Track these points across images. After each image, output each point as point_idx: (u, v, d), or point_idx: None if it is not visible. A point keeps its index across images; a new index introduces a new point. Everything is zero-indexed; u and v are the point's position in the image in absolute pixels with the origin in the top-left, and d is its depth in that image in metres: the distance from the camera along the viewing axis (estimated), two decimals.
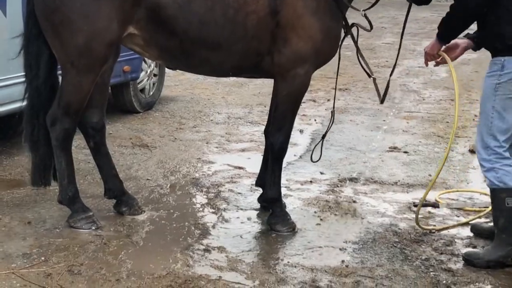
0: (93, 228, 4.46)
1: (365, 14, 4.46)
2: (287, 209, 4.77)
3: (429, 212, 5.03)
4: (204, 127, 7.41)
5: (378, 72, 10.88)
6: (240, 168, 5.95)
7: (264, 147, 4.92)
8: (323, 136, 5.04)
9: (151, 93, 8.08)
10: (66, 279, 3.78)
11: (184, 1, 4.19)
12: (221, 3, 4.21)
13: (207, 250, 4.26)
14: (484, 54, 13.95)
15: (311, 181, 5.66)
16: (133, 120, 7.51)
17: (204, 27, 4.22)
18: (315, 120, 7.73)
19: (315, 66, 4.49)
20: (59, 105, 4.33)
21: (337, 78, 4.93)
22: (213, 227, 4.63)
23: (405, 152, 6.60)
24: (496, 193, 4.10)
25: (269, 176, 4.63)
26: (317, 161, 5.10)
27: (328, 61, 4.57)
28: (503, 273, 4.05)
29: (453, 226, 4.75)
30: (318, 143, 5.07)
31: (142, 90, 7.88)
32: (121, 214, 4.73)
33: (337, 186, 5.55)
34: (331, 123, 4.98)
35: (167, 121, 7.59)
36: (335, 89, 5.02)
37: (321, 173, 5.88)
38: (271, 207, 4.68)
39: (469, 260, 4.13)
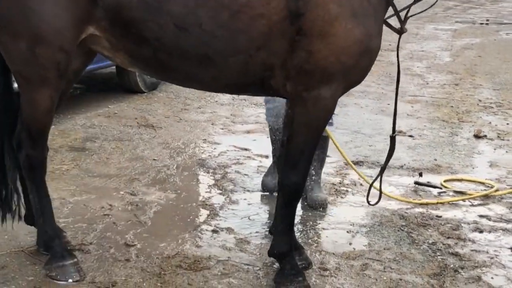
0: (71, 280, 3.55)
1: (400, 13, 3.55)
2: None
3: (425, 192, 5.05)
4: (209, 108, 7.40)
5: (381, 56, 10.86)
6: (245, 149, 5.96)
7: None
8: (382, 170, 3.93)
9: None
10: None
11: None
12: (209, 2, 3.21)
13: (215, 231, 4.27)
14: (487, 39, 14.01)
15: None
16: (138, 100, 7.50)
17: (183, 34, 3.23)
18: None
19: (344, 87, 3.42)
20: (22, 125, 3.57)
21: (396, 96, 3.86)
22: (221, 208, 4.64)
23: (410, 136, 6.60)
24: None
25: (278, 224, 3.64)
26: (376, 204, 4.07)
27: (362, 80, 3.50)
28: (510, 258, 4.07)
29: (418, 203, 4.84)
30: (375, 179, 3.98)
31: None
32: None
33: (343, 169, 5.56)
34: (390, 154, 3.87)
35: (172, 102, 7.58)
36: (395, 111, 3.91)
37: (327, 156, 5.87)
38: (279, 262, 3.67)
39: None
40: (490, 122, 7.15)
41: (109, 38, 3.35)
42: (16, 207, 3.79)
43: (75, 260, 3.64)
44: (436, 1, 3.78)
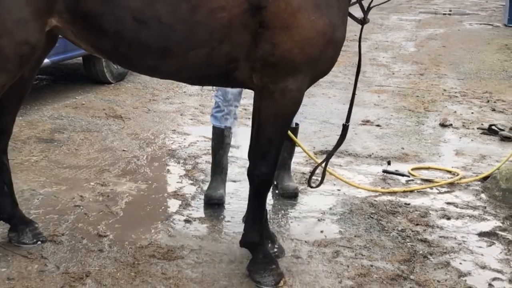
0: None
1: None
2: None
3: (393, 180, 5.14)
4: (177, 98, 7.39)
5: (347, 46, 10.95)
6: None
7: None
8: (328, 157, 4.01)
9: None
10: (48, 249, 3.78)
11: None
12: None
13: (188, 220, 4.29)
14: (450, 29, 14.16)
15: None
16: (105, 91, 7.45)
17: (142, 28, 3.22)
18: None
19: (311, 78, 3.44)
20: None
21: (355, 86, 3.91)
22: (193, 198, 4.65)
23: (378, 125, 6.69)
24: None
25: (249, 215, 3.68)
26: (317, 187, 4.21)
27: (329, 71, 3.52)
28: (478, 244, 4.16)
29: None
30: (319, 164, 4.05)
31: None
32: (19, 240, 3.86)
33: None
34: (340, 141, 3.95)
35: (139, 92, 7.56)
36: (352, 101, 3.97)
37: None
38: (251, 252, 3.68)
39: None
40: (455, 111, 7.27)
41: (71, 29, 3.35)
42: None
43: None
44: None
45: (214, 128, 4.60)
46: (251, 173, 3.55)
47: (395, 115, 7.07)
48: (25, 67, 3.40)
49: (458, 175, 5.25)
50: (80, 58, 7.41)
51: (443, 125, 6.72)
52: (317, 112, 7.04)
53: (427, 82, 8.71)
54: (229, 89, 4.46)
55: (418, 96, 7.93)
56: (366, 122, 6.77)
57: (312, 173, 4.08)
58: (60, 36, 3.56)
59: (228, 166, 4.69)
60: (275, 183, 4.75)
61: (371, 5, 3.60)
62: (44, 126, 6.02)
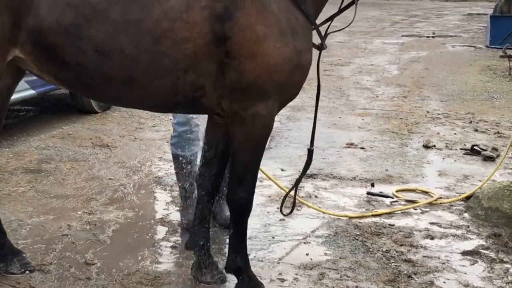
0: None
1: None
2: None
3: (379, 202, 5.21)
4: (163, 126, 7.45)
5: (331, 70, 11.12)
6: None
7: None
8: (296, 183, 4.05)
9: None
10: (36, 278, 3.81)
11: (73, 24, 3.22)
12: (130, 28, 3.22)
13: (174, 247, 4.34)
14: (433, 52, 14.32)
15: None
16: (92, 121, 7.51)
17: (105, 59, 3.25)
18: None
19: (280, 103, 3.51)
20: None
21: (316, 111, 3.95)
22: (179, 224, 4.69)
23: (362, 148, 6.76)
24: None
25: (232, 241, 3.71)
26: (289, 214, 4.22)
27: (296, 95, 3.60)
28: (461, 262, 4.22)
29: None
30: (289, 190, 4.11)
31: None
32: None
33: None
34: (307, 166, 4.02)
35: (126, 121, 7.62)
36: (313, 129, 4.02)
37: (282, 169, 6.00)
38: (236, 277, 3.75)
39: None
40: (438, 133, 7.37)
41: (33, 61, 3.38)
42: None
43: None
44: (352, 21, 3.84)
45: (174, 156, 4.63)
46: (230, 199, 3.62)
47: (379, 138, 7.16)
48: None
49: (435, 196, 5.33)
50: None
51: (426, 146, 6.81)
52: (302, 136, 7.12)
53: (411, 104, 8.83)
54: (188, 116, 4.50)
55: (401, 118, 8.03)
56: (351, 145, 6.85)
57: (283, 201, 4.15)
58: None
59: (194, 192, 4.64)
60: (214, 213, 4.57)
61: (328, 31, 3.71)
62: (31, 157, 6.06)
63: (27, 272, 3.85)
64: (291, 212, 4.17)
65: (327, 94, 9.23)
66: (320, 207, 5.08)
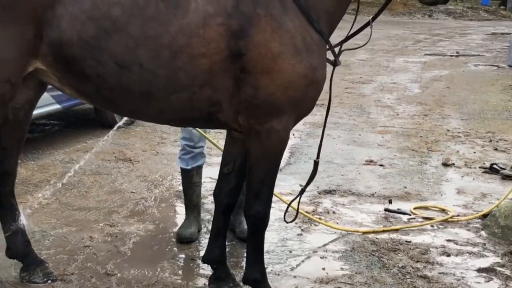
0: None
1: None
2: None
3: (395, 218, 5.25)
4: None
5: (352, 88, 11.19)
6: None
7: None
8: (302, 191, 4.08)
9: None
10: (58, 287, 3.92)
11: (93, 37, 3.29)
12: (149, 43, 3.30)
13: (192, 259, 4.43)
14: (455, 71, 14.31)
15: (290, 193, 5.84)
16: (115, 135, 7.61)
17: (124, 72, 3.32)
18: (293, 134, 7.93)
19: (295, 118, 3.57)
20: None
21: (324, 125, 4.00)
22: (198, 237, 4.78)
23: (381, 165, 6.82)
24: None
25: (250, 254, 3.78)
26: (292, 222, 4.25)
27: (311, 110, 3.65)
28: (476, 279, 4.26)
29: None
30: (294, 198, 4.12)
31: None
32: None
33: (316, 198, 5.74)
34: (312, 177, 4.02)
35: (148, 136, 7.74)
36: (321, 139, 4.06)
37: (300, 185, 6.02)
38: None
39: None
40: (458, 151, 7.40)
41: (54, 73, 3.46)
42: None
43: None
44: (369, 40, 3.82)
45: (181, 170, 4.87)
46: (247, 213, 3.69)
47: (398, 155, 7.21)
48: (7, 105, 3.52)
49: (450, 213, 5.37)
50: None
51: (445, 164, 6.84)
52: (322, 152, 7.11)
53: (431, 122, 8.86)
54: (194, 132, 4.70)
55: (421, 136, 8.07)
56: (370, 162, 6.91)
57: (286, 210, 4.18)
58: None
59: (200, 204, 4.92)
60: (232, 225, 4.70)
61: (342, 49, 3.77)
62: (56, 170, 6.20)
63: (49, 281, 3.95)
64: (294, 220, 4.20)
65: (348, 112, 9.30)
66: (337, 223, 5.14)
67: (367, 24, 3.77)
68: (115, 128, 5.69)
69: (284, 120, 3.49)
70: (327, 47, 3.61)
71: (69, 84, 3.50)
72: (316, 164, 3.99)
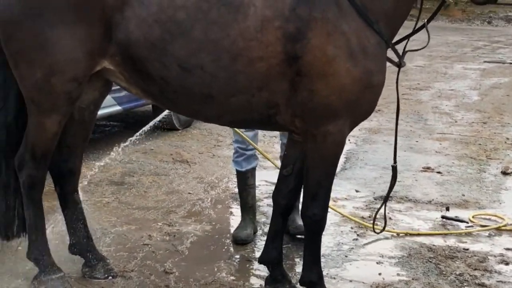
0: None
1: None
2: None
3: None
4: None
5: (410, 94, 11.08)
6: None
7: None
8: (385, 199, 4.14)
9: None
10: (118, 283, 4.02)
11: (159, 40, 3.39)
12: (210, 46, 3.37)
13: (249, 260, 4.48)
14: None
15: (346, 198, 5.85)
16: (172, 137, 7.77)
17: (187, 75, 3.42)
18: (348, 140, 7.91)
19: (352, 122, 3.58)
20: (25, 147, 3.72)
21: (396, 129, 3.99)
22: (253, 240, 4.83)
23: (439, 172, 6.75)
24: None
25: (306, 256, 3.80)
26: (381, 232, 4.41)
27: (369, 114, 3.65)
28: None
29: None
30: (379, 208, 4.19)
31: None
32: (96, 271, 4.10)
33: (372, 204, 5.72)
34: (393, 183, 3.99)
35: (205, 138, 7.84)
36: (395, 143, 4.02)
37: (356, 191, 6.06)
38: None
39: None
40: None
41: (122, 73, 3.57)
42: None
43: (62, 274, 3.86)
44: (428, 42, 3.78)
45: (236, 172, 4.98)
46: (304, 215, 3.72)
47: (456, 163, 7.12)
48: (74, 104, 3.63)
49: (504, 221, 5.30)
50: (150, 106, 7.76)
51: (505, 173, 6.73)
52: (378, 158, 7.16)
53: (490, 130, 8.72)
54: (247, 134, 4.80)
55: (480, 144, 7.95)
56: (427, 169, 6.84)
57: (374, 219, 4.26)
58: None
59: (256, 206, 4.97)
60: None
61: (406, 50, 3.74)
62: (116, 170, 6.33)
63: (110, 277, 4.05)
64: (383, 230, 4.30)
65: (405, 118, 9.22)
66: (393, 229, 5.11)
67: (422, 26, 3.72)
68: (150, 124, 5.82)
69: (339, 124, 3.49)
70: (388, 49, 3.60)
71: (135, 84, 3.61)
72: (394, 169, 3.98)
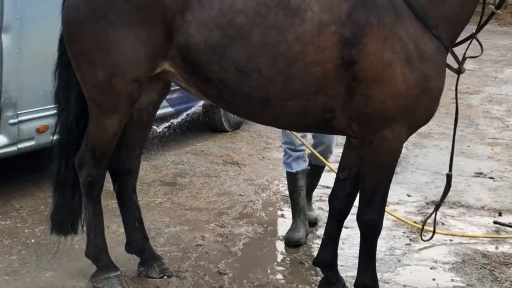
0: None
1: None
2: None
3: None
4: None
5: (460, 99, 10.89)
6: (327, 187, 6.11)
7: None
8: (437, 207, 4.16)
9: None
10: (173, 283, 4.07)
11: (219, 44, 3.42)
12: (268, 50, 3.39)
13: (301, 263, 4.50)
14: None
15: (398, 203, 5.82)
16: (222, 139, 7.82)
17: (245, 78, 3.45)
18: None
19: (409, 128, 3.53)
20: (86, 146, 3.80)
21: (454, 135, 4.06)
22: (306, 242, 4.84)
23: (491, 177, 6.66)
24: None
25: (361, 260, 3.79)
26: (429, 239, 4.38)
27: (428, 120, 3.60)
28: None
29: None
30: (429, 215, 4.22)
31: None
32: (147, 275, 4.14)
33: (424, 208, 5.69)
34: (447, 191, 4.01)
35: (254, 141, 7.88)
36: (452, 150, 4.13)
37: (408, 195, 6.03)
38: None
39: None
40: None
41: (182, 75, 3.62)
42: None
43: (119, 272, 3.93)
44: (482, 50, 3.74)
45: (287, 173, 5.00)
46: (359, 219, 3.71)
47: (509, 168, 7.01)
48: (134, 104, 3.71)
49: None
50: (200, 107, 7.83)
51: None
52: (429, 163, 7.10)
53: None
54: (295, 136, 4.84)
55: None
56: (479, 174, 6.76)
57: (423, 225, 4.27)
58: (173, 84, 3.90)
59: (306, 208, 4.97)
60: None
61: (465, 55, 3.70)
62: (168, 171, 6.41)
63: (165, 277, 4.11)
64: (431, 237, 4.29)
65: None
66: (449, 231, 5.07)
67: (470, 36, 3.67)
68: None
69: (395, 129, 3.46)
70: (448, 54, 3.56)
71: (195, 86, 3.66)
72: (449, 177, 3.97)
